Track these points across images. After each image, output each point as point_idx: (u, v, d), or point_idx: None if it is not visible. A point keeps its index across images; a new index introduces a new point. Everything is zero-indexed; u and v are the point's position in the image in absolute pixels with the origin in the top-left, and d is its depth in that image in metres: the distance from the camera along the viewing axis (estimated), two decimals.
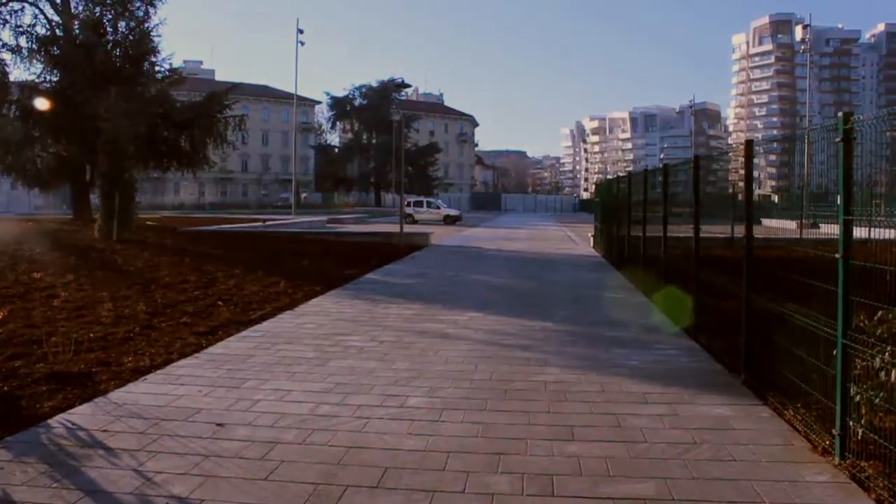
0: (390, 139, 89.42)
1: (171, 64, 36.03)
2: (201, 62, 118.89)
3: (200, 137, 36.16)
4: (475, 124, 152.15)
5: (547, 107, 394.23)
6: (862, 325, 5.72)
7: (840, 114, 5.72)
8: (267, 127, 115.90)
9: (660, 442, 6.23)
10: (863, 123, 5.63)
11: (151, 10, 34.58)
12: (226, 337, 10.55)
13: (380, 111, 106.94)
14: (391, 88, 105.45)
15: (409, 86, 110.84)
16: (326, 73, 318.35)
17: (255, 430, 6.40)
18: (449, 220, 56.56)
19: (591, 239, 30.85)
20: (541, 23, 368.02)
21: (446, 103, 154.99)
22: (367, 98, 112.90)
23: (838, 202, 5.69)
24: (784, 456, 5.98)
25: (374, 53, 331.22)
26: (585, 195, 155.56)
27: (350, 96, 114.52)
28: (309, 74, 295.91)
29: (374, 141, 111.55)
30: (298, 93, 70.92)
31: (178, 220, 42.61)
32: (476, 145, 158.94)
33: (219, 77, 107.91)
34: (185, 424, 6.51)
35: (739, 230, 8.34)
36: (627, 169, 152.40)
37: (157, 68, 35.52)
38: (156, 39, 35.05)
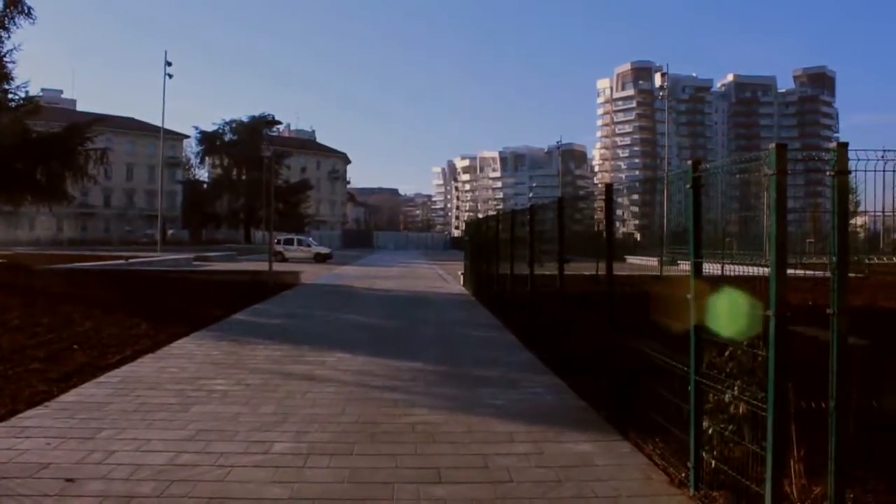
0: (261, 175, 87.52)
1: (26, 92, 34.26)
2: (62, 91, 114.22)
3: (58, 170, 34.48)
4: (347, 161, 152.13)
5: (419, 145, 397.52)
6: (714, 361, 5.98)
7: (689, 161, 6.04)
8: (132, 161, 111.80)
9: (525, 481, 6.31)
10: (709, 170, 5.96)
11: (5, 35, 32.83)
12: (80, 383, 9.97)
13: (250, 147, 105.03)
14: (262, 124, 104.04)
15: (279, 122, 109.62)
16: (195, 108, 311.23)
17: (110, 484, 6.06)
18: (320, 258, 55.97)
19: (462, 277, 31.18)
20: (412, 62, 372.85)
21: (318, 140, 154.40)
22: (237, 133, 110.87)
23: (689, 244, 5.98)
24: (644, 490, 6.17)
25: (245, 88, 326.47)
26: (457, 233, 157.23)
27: (219, 131, 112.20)
28: (177, 108, 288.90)
29: (244, 177, 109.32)
30: (166, 126, 69.00)
31: (32, 258, 40.47)
32: (348, 182, 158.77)
33: (81, 108, 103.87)
34: (29, 482, 6.07)
35: (604, 268, 8.60)
36: (498, 207, 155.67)
37: (10, 96, 33.70)
38: (10, 65, 33.15)
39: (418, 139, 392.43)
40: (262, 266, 30.89)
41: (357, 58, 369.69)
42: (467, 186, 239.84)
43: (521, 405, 9.16)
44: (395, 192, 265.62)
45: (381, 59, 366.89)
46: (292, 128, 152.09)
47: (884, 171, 5.14)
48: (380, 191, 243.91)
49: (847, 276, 4.73)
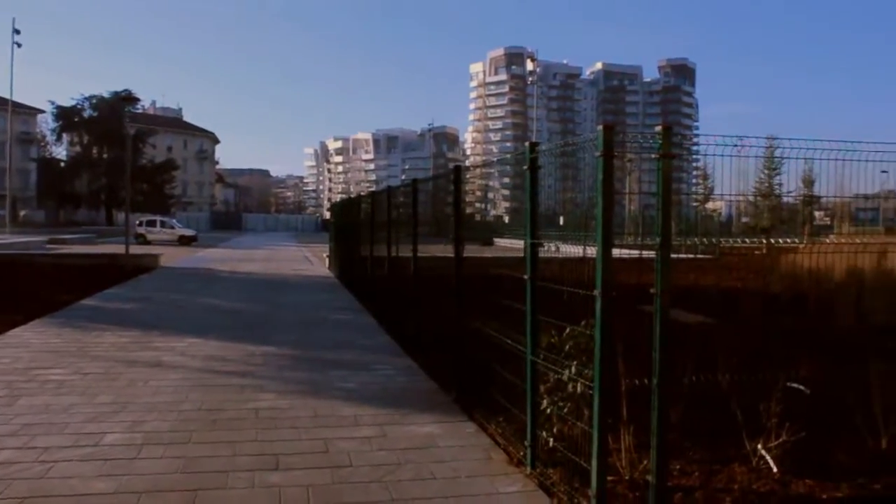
0: (123, 154, 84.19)
1: None
2: None
3: None
4: (216, 141, 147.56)
5: (291, 126, 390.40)
6: (553, 340, 6.05)
7: (526, 143, 6.06)
8: None
9: (364, 465, 6.23)
10: (545, 152, 6.01)
11: None
12: None
13: (111, 124, 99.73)
14: (123, 100, 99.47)
15: (138, 99, 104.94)
16: (53, 82, 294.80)
17: None
18: (184, 241, 54.24)
19: (327, 259, 30.85)
20: (283, 39, 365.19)
21: (186, 119, 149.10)
22: (97, 109, 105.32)
23: (526, 225, 6.01)
24: (482, 470, 6.20)
25: (107, 63, 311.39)
26: (328, 215, 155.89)
27: (78, 106, 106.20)
28: (31, 81, 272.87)
29: (105, 156, 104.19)
30: (18, 100, 65.01)
31: None
32: (217, 163, 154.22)
33: None
34: None
35: (471, 250, 8.60)
36: (370, 189, 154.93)
37: None
38: None
39: (290, 120, 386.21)
40: (121, 249, 29.64)
41: (226, 34, 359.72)
42: (340, 168, 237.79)
43: (371, 388, 9.09)
44: (266, 173, 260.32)
45: (251, 36, 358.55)
46: (158, 105, 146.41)
47: (717, 155, 5.32)
48: (250, 172, 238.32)
49: (670, 256, 4.85)
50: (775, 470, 5.97)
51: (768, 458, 6.05)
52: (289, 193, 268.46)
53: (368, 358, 10.96)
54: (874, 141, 5.78)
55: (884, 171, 6.23)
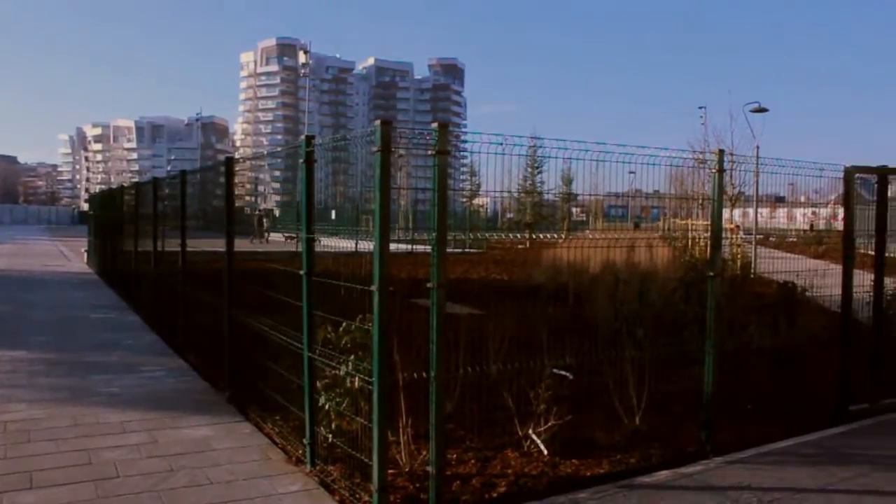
0: None
1: None
2: None
3: None
4: None
5: (43, 108, 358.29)
6: (330, 336, 6.00)
7: (302, 137, 5.98)
8: None
9: (134, 475, 5.88)
10: (322, 147, 5.96)
11: None
12: None
13: None
14: None
15: None
16: None
17: None
18: None
19: (86, 255, 28.89)
20: (36, 17, 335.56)
21: None
22: None
23: (302, 220, 5.93)
24: (261, 471, 6.05)
25: None
26: (86, 207, 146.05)
27: None
28: None
29: None
30: None
31: None
32: None
33: None
34: None
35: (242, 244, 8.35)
36: (133, 180, 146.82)
37: None
38: None
39: (42, 101, 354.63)
40: None
41: None
42: (99, 157, 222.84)
43: (138, 391, 8.61)
44: (13, 159, 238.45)
45: None
46: None
47: (486, 153, 5.51)
48: None
49: (445, 251, 4.97)
50: (545, 452, 6.34)
51: (538, 441, 6.41)
52: (40, 183, 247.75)
53: (134, 359, 10.36)
54: (624, 143, 6.29)
55: (631, 172, 6.72)
